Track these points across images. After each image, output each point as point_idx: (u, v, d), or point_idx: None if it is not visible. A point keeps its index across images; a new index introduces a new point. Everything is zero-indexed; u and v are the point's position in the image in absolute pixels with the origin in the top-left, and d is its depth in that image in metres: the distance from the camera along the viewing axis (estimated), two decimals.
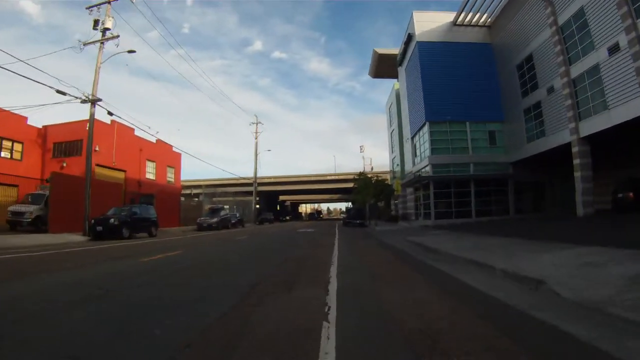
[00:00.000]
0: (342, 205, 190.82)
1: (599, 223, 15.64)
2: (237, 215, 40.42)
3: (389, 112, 49.86)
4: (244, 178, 59.46)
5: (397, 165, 43.34)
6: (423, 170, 31.71)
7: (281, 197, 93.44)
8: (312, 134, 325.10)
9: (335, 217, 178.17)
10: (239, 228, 35.06)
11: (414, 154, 35.40)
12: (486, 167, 30.32)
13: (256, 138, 56.74)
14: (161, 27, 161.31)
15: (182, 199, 43.69)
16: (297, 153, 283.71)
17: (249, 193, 69.77)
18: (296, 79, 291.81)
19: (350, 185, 67.09)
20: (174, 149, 39.86)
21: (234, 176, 59.65)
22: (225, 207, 60.64)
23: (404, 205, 41.03)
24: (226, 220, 34.26)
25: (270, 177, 69.56)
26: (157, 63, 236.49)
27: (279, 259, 9.57)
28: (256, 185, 56.62)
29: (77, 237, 17.94)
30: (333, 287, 5.54)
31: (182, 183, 57.09)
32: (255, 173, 56.15)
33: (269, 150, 64.30)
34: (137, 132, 31.70)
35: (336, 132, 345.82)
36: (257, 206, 78.08)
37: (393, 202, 47.16)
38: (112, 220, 18.57)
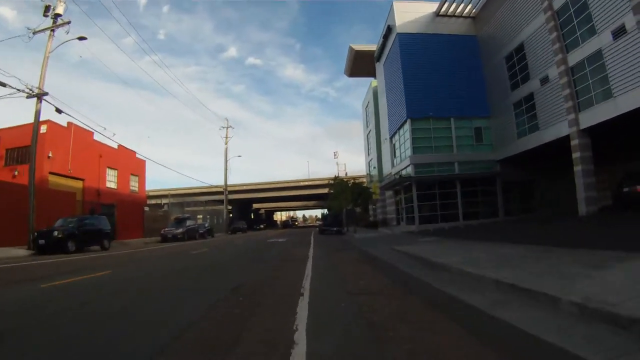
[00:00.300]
0: (318, 212, 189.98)
1: (614, 223, 13.48)
2: (206, 225, 37.20)
3: (366, 112, 47.66)
4: (215, 186, 56.09)
5: (374, 168, 40.98)
6: (403, 171, 29.40)
7: (255, 205, 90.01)
8: (286, 141, 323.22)
9: (311, 224, 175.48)
10: (208, 239, 31.93)
11: (393, 155, 33.12)
12: (472, 165, 28.28)
13: (226, 143, 53.70)
14: (135, 33, 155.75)
15: (147, 209, 40.07)
16: (272, 161, 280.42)
17: (221, 202, 66.32)
18: (271, 85, 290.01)
19: (325, 191, 64.60)
20: (137, 155, 36.41)
21: (204, 184, 56.52)
22: (198, 216, 57.50)
23: (384, 210, 38.68)
24: (193, 231, 31.09)
25: (242, 185, 66.30)
26: (130, 68, 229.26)
27: (229, 285, 6.73)
28: (227, 193, 53.38)
29: (19, 252, 16.79)
30: None
31: (149, 193, 53.53)
32: (226, 180, 52.98)
33: (239, 156, 59.81)
34: (98, 137, 28.19)
35: (310, 139, 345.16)
36: (231, 215, 74.64)
37: (371, 208, 44.76)
38: (55, 233, 17.12)
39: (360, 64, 42.84)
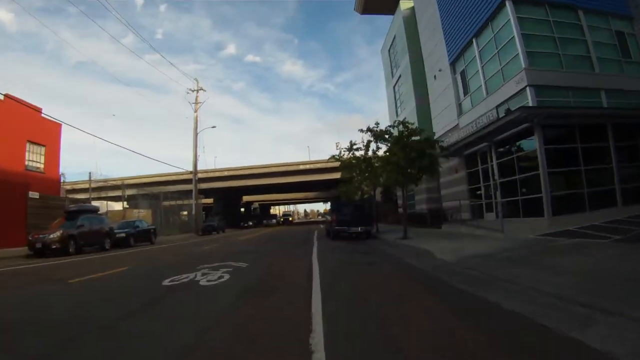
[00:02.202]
0: (319, 207, 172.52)
1: None
2: (145, 224, 23.31)
3: (389, 55, 33.62)
4: (187, 172, 41.99)
5: (413, 125, 26.87)
6: (491, 113, 15.43)
7: (246, 198, 76.09)
8: (286, 135, 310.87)
9: (312, 219, 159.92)
10: (142, 246, 18.64)
11: (460, 92, 19.43)
12: (624, 98, 14.49)
13: (196, 110, 39.77)
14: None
15: (36, 195, 26.34)
16: (271, 154, 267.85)
17: (204, 192, 52.18)
18: (270, 81, 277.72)
19: (331, 177, 50.62)
20: (45, 116, 22.73)
21: (178, 170, 42.65)
22: (185, 213, 43.87)
23: (431, 196, 24.78)
24: (95, 234, 17.13)
25: (224, 170, 52.32)
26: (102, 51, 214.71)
27: None
28: (196, 179, 39.49)
29: None
30: None
31: (111, 181, 39.89)
32: (195, 161, 39.06)
33: (213, 127, 44.06)
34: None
35: (310, 133, 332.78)
36: (203, 210, 60.53)
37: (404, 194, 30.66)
38: None
39: None
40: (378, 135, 15.14)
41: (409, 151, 13.62)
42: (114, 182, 40.23)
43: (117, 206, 42.22)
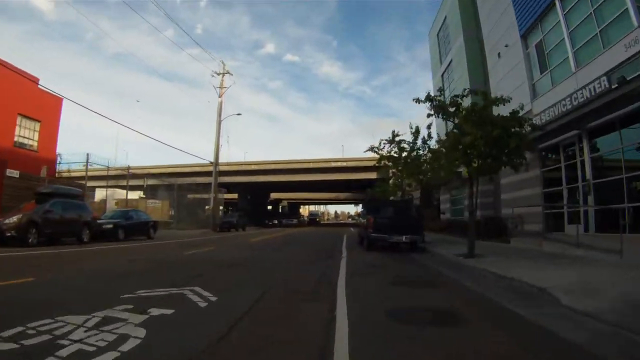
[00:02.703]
0: (350, 209, 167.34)
1: None
2: (144, 216, 20.01)
3: (438, 39, 29.11)
4: (207, 165, 38.83)
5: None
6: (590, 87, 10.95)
7: (274, 196, 72.83)
8: (319, 136, 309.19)
9: (342, 221, 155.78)
10: (135, 240, 15.83)
11: (540, 68, 14.98)
12: None
13: (221, 95, 36.48)
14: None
15: (15, 174, 23.67)
16: (303, 155, 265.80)
17: (230, 185, 49.11)
18: (307, 82, 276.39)
19: (365, 176, 46.33)
20: (42, 87, 19.79)
21: (201, 162, 39.69)
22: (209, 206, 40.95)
23: (485, 201, 20.22)
24: (68, 223, 13.74)
25: (250, 163, 49.07)
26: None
27: None
28: (217, 170, 36.09)
29: None
30: None
31: (113, 169, 37.50)
32: (217, 152, 35.75)
33: (239, 114, 39.44)
34: None
35: (343, 135, 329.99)
36: (236, 205, 57.64)
37: (475, 188, 26.10)
38: None
39: None
40: (442, 107, 10.71)
41: (490, 129, 9.21)
42: (121, 171, 37.18)
43: (132, 195, 39.63)
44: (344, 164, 46.96)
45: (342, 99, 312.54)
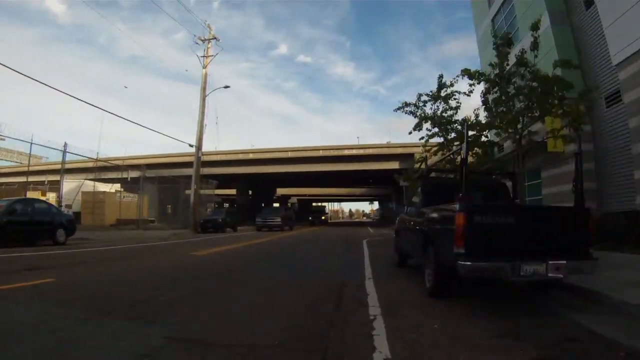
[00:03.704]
0: (365, 207, 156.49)
1: None
2: (53, 209, 13.00)
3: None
4: (191, 153, 31.74)
5: None
6: None
7: (280, 191, 65.64)
8: (334, 135, 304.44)
9: (357, 219, 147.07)
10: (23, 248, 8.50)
11: None
12: None
13: (205, 66, 29.59)
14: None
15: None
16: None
17: (228, 179, 42.01)
18: (321, 82, 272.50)
19: (385, 166, 38.74)
20: None
21: (191, 151, 32.70)
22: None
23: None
24: None
25: (248, 151, 41.71)
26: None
27: None
28: (200, 156, 29.30)
29: None
30: None
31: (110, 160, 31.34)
32: (201, 134, 28.92)
33: (227, 87, 32.13)
34: None
35: (359, 134, 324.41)
36: (220, 203, 50.63)
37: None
38: None
39: None
40: None
41: None
42: (88, 161, 30.52)
43: (103, 187, 33.37)
44: (360, 151, 39.32)
45: (356, 98, 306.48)
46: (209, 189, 35.59)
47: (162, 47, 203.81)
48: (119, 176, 36.18)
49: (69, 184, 31.36)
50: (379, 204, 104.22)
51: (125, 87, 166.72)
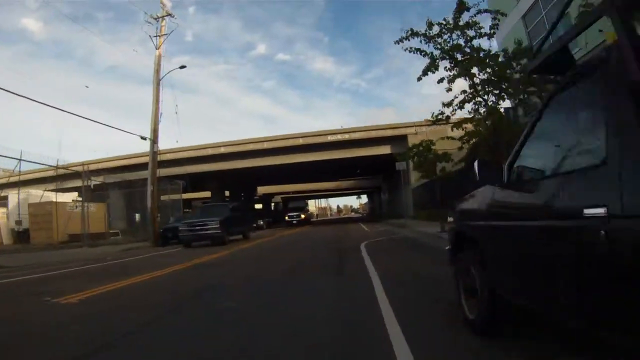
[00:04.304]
0: (353, 202, 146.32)
1: None
2: None
3: None
4: (164, 152, 27.37)
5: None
6: None
7: (262, 190, 61.14)
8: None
9: (346, 215, 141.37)
10: None
11: None
12: None
13: (159, 47, 25.23)
14: None
15: None
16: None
17: (199, 178, 37.25)
18: (301, 79, 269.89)
19: (377, 151, 34.77)
20: None
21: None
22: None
23: None
24: None
25: (219, 145, 36.95)
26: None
27: None
28: (156, 150, 24.88)
29: None
30: None
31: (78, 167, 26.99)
32: (156, 122, 24.75)
33: (183, 67, 26.76)
34: None
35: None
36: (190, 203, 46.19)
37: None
38: None
39: None
40: None
41: None
42: (47, 169, 26.59)
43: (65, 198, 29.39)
44: (345, 136, 35.07)
45: (337, 93, 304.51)
46: (175, 192, 31.03)
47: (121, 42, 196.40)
48: (83, 184, 31.68)
49: (19, 197, 27.88)
50: (368, 197, 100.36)
51: (87, 87, 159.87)
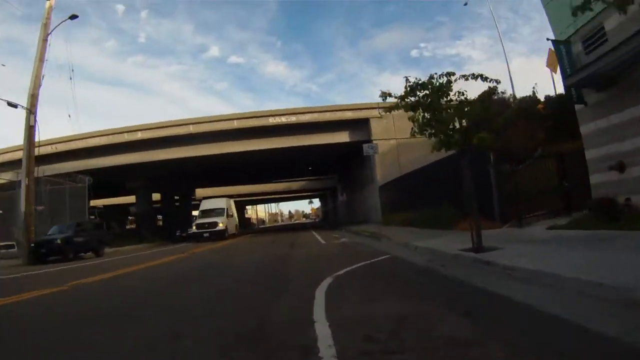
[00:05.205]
0: (304, 206, 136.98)
1: None
2: None
3: None
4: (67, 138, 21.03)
5: None
6: None
7: (201, 193, 54.71)
8: None
9: (297, 220, 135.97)
10: None
11: None
12: None
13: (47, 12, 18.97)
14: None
15: None
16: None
17: (129, 175, 30.44)
18: (253, 82, 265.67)
19: (332, 139, 29.91)
20: None
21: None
22: None
23: None
24: None
25: (128, 129, 30.46)
26: None
27: None
28: (32, 122, 18.74)
29: None
30: None
31: None
32: (35, 86, 18.49)
33: (74, 17, 20.50)
34: None
35: None
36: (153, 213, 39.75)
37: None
38: None
39: None
40: None
41: None
42: None
43: None
44: (292, 119, 29.71)
45: (289, 97, 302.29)
46: (77, 192, 24.56)
47: None
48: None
49: None
50: (320, 200, 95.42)
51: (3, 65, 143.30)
